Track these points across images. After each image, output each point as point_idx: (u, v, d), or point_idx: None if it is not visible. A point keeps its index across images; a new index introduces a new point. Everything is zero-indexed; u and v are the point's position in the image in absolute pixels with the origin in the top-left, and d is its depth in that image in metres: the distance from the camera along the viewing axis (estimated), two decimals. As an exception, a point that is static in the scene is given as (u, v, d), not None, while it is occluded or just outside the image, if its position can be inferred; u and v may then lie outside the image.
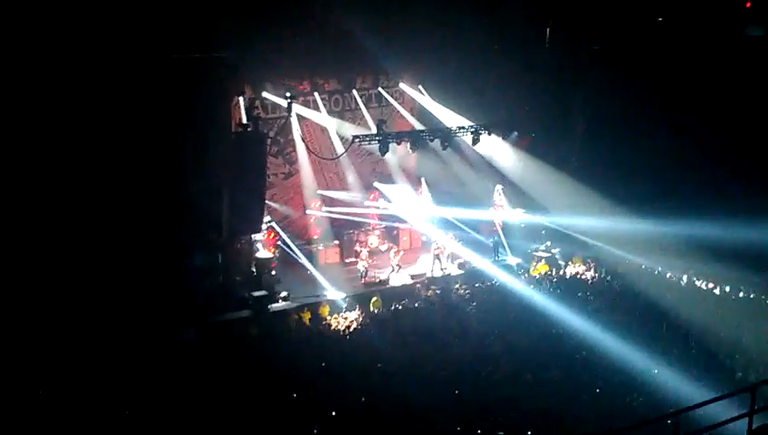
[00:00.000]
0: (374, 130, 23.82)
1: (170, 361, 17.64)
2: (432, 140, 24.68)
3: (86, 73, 18.47)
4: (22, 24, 17.61)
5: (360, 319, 21.48)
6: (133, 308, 18.83)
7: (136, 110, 19.12)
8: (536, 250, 26.05)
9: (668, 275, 23.93)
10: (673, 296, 21.84)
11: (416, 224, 26.66)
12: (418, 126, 26.48)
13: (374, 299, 22.58)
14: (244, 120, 21.75)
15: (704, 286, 23.15)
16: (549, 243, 26.30)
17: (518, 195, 26.78)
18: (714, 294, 22.74)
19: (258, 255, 22.45)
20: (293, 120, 23.38)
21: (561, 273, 25.14)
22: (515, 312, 21.57)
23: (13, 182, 18.12)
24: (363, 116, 25.97)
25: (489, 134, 24.91)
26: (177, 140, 19.90)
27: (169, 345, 18.42)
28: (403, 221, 26.61)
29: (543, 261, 25.63)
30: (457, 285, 23.80)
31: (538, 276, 24.78)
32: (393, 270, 24.07)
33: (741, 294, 22.27)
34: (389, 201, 26.37)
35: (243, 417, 15.89)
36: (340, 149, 24.97)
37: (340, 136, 25.01)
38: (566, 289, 23.42)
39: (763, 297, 21.85)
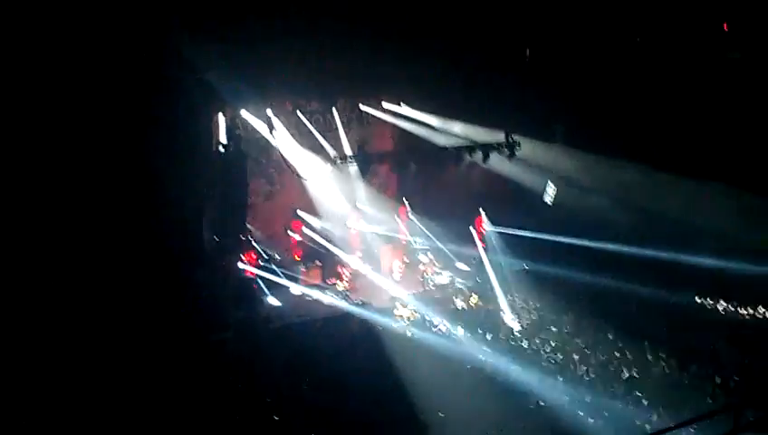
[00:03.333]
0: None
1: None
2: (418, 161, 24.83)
3: (62, 93, 18.30)
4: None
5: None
6: (110, 328, 18.46)
7: (111, 129, 18.92)
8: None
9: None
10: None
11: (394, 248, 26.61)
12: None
13: None
14: (223, 140, 21.63)
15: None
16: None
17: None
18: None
19: (240, 275, 22.22)
20: (274, 139, 23.20)
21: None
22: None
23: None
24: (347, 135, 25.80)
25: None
26: (155, 161, 19.65)
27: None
28: (385, 243, 26.50)
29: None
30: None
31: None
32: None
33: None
34: (369, 222, 26.29)
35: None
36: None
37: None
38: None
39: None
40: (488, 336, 21.75)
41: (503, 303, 24.04)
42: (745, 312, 23.34)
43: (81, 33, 18.14)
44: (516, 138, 25.28)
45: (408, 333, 21.76)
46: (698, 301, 23.86)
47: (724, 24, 25.55)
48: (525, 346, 21.44)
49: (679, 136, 25.58)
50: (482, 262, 26.01)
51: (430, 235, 26.58)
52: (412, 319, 22.70)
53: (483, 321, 22.85)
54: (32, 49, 17.68)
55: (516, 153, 25.32)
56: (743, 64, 25.63)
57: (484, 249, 26.34)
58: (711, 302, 23.83)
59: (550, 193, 27.67)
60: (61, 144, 18.28)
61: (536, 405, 18.44)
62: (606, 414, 17.91)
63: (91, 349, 17.68)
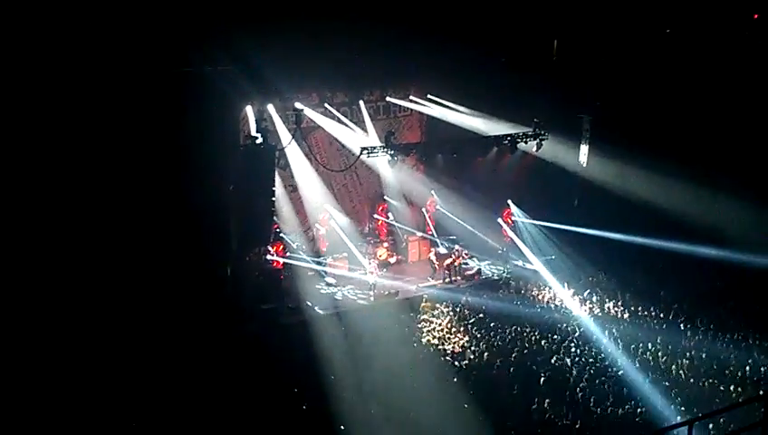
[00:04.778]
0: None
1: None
2: (443, 153, 24.85)
3: (90, 87, 18.51)
4: (24, 35, 17.71)
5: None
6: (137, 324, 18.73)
7: (140, 122, 19.12)
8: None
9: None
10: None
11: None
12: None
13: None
14: (254, 133, 21.77)
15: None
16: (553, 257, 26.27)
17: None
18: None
19: (267, 267, 22.41)
20: (300, 132, 23.30)
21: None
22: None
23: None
24: (374, 127, 25.83)
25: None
26: (183, 153, 19.84)
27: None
28: (412, 234, 26.59)
29: None
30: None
31: None
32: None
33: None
34: (397, 213, 26.39)
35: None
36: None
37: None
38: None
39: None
40: None
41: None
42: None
43: (108, 28, 18.38)
44: (544, 129, 25.14)
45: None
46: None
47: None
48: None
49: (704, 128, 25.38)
50: (511, 251, 26.14)
51: (461, 221, 26.52)
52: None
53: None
54: (60, 47, 17.95)
55: (543, 144, 25.21)
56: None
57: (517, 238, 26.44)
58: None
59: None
60: (87, 139, 18.54)
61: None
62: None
63: (118, 343, 17.98)
